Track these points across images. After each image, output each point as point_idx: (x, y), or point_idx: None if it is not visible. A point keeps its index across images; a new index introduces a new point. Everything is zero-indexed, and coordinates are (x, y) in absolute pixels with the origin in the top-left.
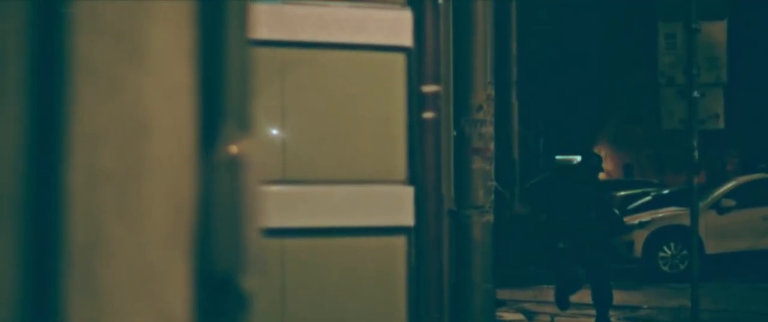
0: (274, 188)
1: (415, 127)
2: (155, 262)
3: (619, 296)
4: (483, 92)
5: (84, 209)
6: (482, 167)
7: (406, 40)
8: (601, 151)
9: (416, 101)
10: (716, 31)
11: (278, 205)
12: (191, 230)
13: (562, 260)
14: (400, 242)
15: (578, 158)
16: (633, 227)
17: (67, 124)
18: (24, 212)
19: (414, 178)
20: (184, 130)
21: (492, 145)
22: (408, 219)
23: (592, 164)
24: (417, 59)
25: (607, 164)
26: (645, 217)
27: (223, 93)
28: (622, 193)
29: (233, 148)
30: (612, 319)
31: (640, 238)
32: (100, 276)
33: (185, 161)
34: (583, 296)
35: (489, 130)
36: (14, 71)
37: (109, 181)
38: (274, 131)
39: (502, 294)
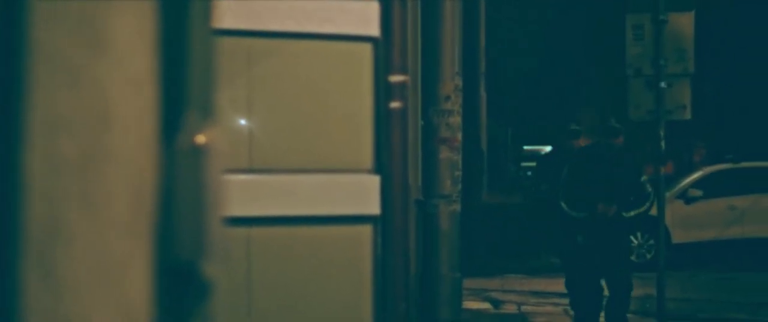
0: (241, 177)
1: (382, 117)
2: (116, 251)
3: None
4: (451, 83)
5: (44, 198)
6: (449, 156)
7: (374, 30)
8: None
9: (383, 91)
10: (684, 22)
11: (244, 194)
12: (152, 218)
13: (580, 261)
14: (366, 230)
15: (547, 148)
16: None
17: (27, 113)
18: None
19: (380, 167)
20: (146, 120)
21: (459, 136)
22: (374, 208)
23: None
24: (384, 50)
25: None
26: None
27: (186, 82)
28: None
29: (196, 138)
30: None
31: None
32: (59, 265)
33: (147, 150)
34: (550, 284)
35: (456, 120)
36: None
37: (69, 170)
38: (241, 121)
39: (469, 283)
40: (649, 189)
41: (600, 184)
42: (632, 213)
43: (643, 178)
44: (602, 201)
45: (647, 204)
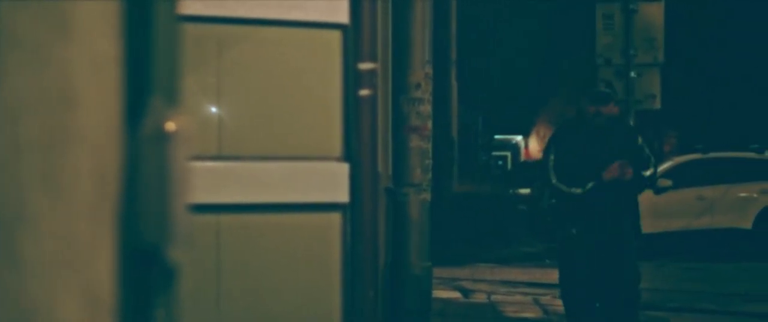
0: (209, 164)
1: (352, 105)
2: (80, 234)
3: (552, 275)
4: (421, 71)
5: (7, 181)
6: (420, 145)
7: (343, 17)
8: (540, 131)
9: (353, 79)
10: (653, 12)
11: (213, 181)
12: (117, 202)
13: (574, 256)
14: (335, 218)
15: (518, 138)
16: None
17: None
18: None
19: (350, 155)
20: (111, 102)
21: (430, 124)
22: (343, 196)
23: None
24: (353, 37)
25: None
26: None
27: (150, 66)
28: None
29: (161, 122)
30: (544, 298)
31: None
32: (23, 248)
33: (111, 132)
34: (520, 274)
35: (427, 108)
36: None
37: (33, 152)
38: (210, 107)
39: (439, 272)
40: (648, 152)
41: (598, 157)
42: (647, 173)
43: (640, 141)
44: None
45: (653, 168)
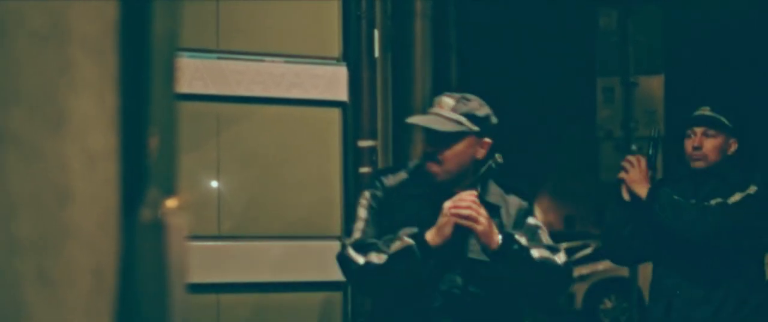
0: (209, 244)
1: (351, 182)
2: None
3: None
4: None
5: (2, 279)
6: None
7: (342, 95)
8: (543, 203)
9: (352, 156)
10: (654, 85)
11: (213, 260)
12: (114, 296)
13: None
14: (336, 297)
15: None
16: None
17: None
18: None
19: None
20: (106, 196)
21: None
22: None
23: None
24: (353, 114)
25: (549, 216)
26: (585, 270)
27: (147, 156)
28: (564, 245)
29: (158, 211)
30: None
31: (580, 290)
32: None
33: (107, 226)
34: None
35: None
36: None
37: (28, 249)
38: (210, 186)
39: None
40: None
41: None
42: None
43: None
44: None
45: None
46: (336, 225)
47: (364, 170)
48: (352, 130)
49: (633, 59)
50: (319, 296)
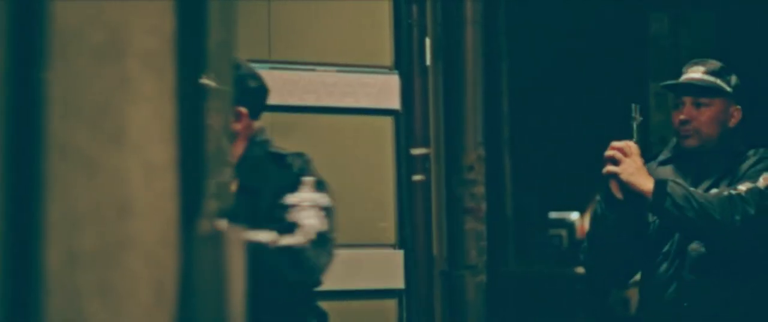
0: None
1: (405, 190)
2: None
3: None
4: (474, 152)
5: (64, 292)
6: (474, 226)
7: (394, 103)
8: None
9: (405, 164)
10: None
11: None
12: (174, 308)
13: None
14: (391, 305)
15: (574, 215)
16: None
17: (45, 207)
18: (2, 297)
19: (404, 241)
20: (166, 208)
21: (484, 205)
22: (398, 282)
23: None
24: (405, 122)
25: None
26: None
27: (205, 168)
28: None
29: (216, 222)
30: None
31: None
32: None
33: (167, 238)
34: None
35: (480, 189)
36: None
37: (89, 261)
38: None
39: None
40: None
41: None
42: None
43: None
44: None
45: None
46: (390, 233)
47: (417, 177)
48: (404, 138)
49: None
50: (374, 304)
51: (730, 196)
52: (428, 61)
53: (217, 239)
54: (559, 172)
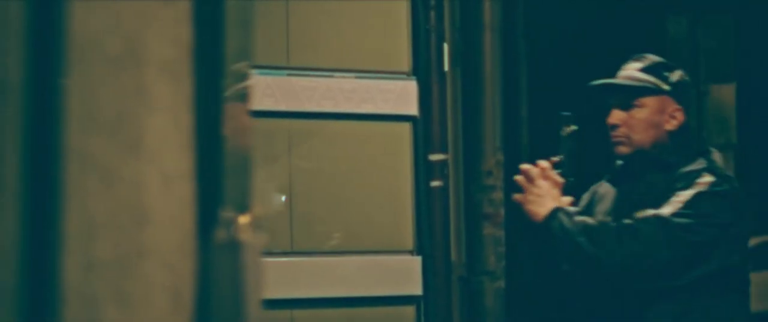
0: (282, 260)
1: (423, 196)
2: None
3: None
4: (492, 158)
5: (81, 300)
6: (493, 232)
7: (412, 109)
8: None
9: (423, 170)
10: (725, 93)
11: (286, 276)
12: (191, 315)
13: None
14: (409, 311)
15: None
16: None
17: (63, 216)
18: (19, 305)
19: (422, 247)
20: (183, 216)
21: (503, 211)
22: (416, 289)
23: None
24: (424, 128)
25: None
26: None
27: (222, 176)
28: None
29: (233, 230)
30: None
31: None
32: None
33: (184, 246)
34: None
35: (499, 195)
36: (10, 168)
37: (106, 270)
38: (282, 202)
39: None
40: None
41: None
42: None
43: None
44: None
45: None
46: (408, 239)
47: (436, 183)
48: (422, 144)
49: (704, 67)
50: (392, 311)
51: (630, 225)
52: (446, 67)
53: (234, 246)
54: (578, 176)
